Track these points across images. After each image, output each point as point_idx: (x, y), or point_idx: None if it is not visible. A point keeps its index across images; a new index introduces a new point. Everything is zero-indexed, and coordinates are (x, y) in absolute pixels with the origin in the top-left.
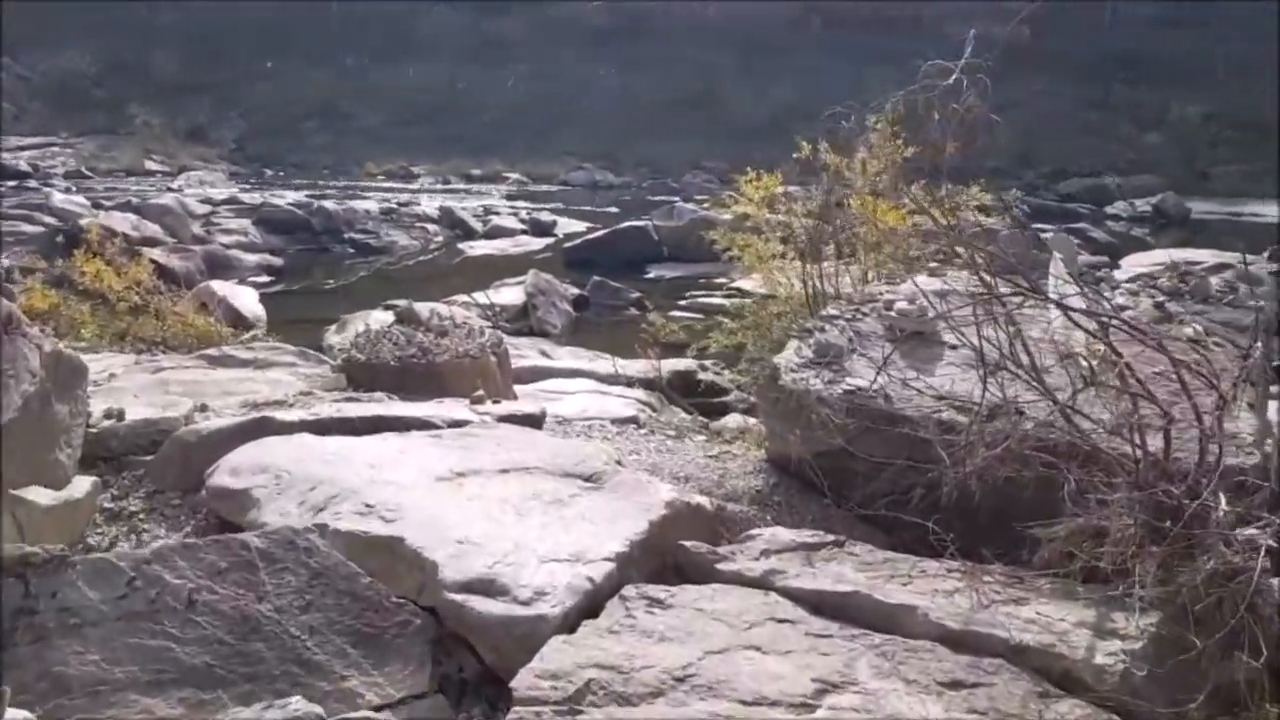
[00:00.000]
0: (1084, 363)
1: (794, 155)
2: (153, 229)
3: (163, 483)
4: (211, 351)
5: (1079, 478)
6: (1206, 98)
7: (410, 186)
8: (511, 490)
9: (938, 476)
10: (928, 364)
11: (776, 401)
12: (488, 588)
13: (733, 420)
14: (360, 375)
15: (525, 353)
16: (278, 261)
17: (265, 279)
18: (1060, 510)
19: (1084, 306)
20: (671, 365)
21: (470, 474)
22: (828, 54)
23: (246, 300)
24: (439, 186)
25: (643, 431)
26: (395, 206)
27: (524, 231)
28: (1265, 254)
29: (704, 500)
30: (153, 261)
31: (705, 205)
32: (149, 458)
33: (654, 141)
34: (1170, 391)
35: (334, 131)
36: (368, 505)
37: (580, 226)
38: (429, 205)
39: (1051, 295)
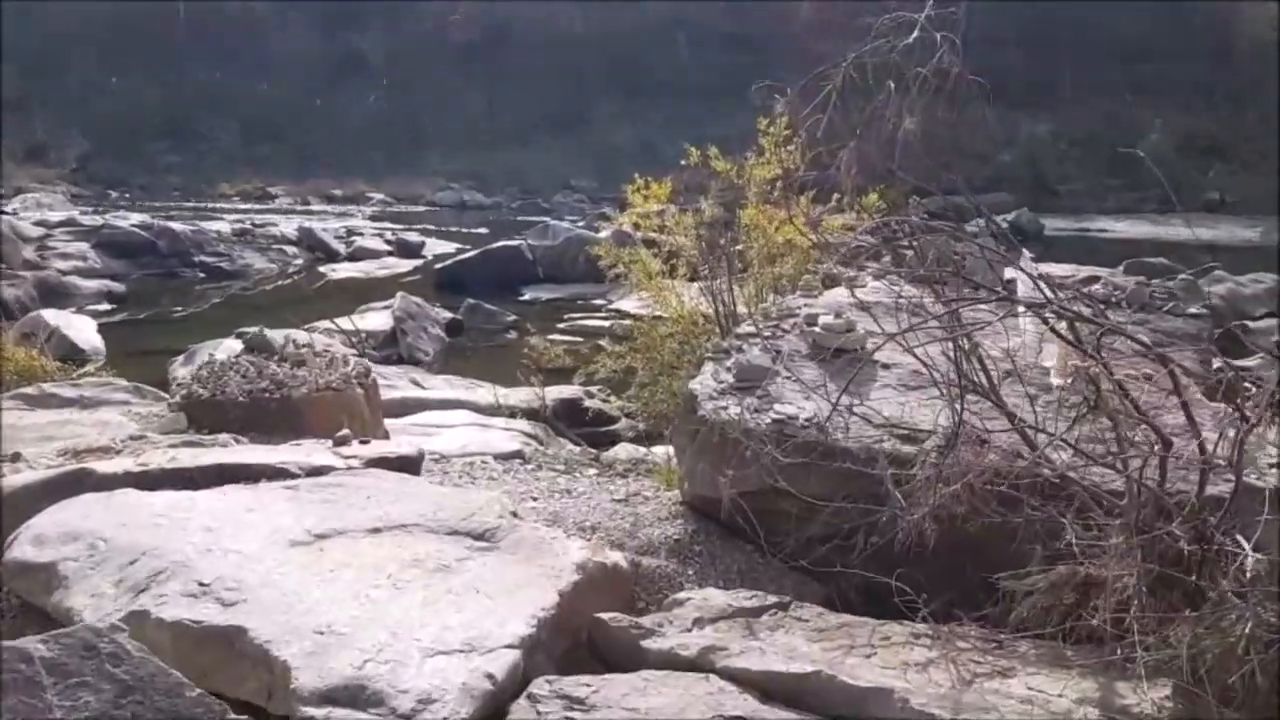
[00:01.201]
0: (1058, 381)
1: (681, 163)
2: None
3: None
4: (29, 390)
5: (1055, 518)
6: (1053, 116)
7: (267, 207)
8: (386, 555)
9: (884, 518)
10: (860, 386)
11: (695, 434)
12: (356, 696)
13: (623, 450)
14: (203, 415)
15: (396, 383)
16: (120, 288)
17: (106, 306)
18: (1030, 557)
19: (1063, 313)
20: (556, 393)
21: (334, 535)
22: (694, 72)
23: (82, 331)
24: (298, 207)
25: (530, 467)
26: (250, 227)
27: (390, 253)
28: (1121, 267)
29: (619, 558)
30: None
31: (583, 222)
32: None
33: (523, 160)
34: (1151, 407)
35: (184, 151)
36: (201, 584)
37: (450, 247)
38: (287, 226)
39: (1022, 299)
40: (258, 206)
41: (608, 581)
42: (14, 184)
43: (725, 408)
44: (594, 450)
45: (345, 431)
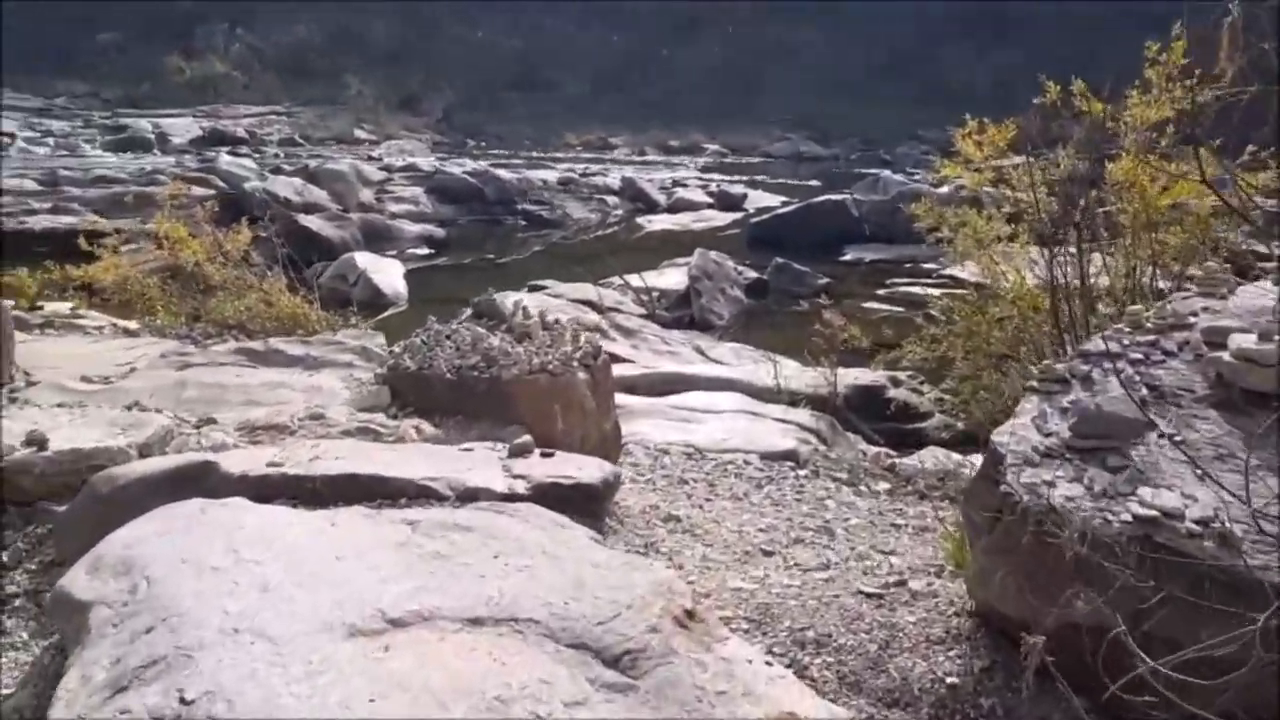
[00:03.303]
0: None
1: (1034, 101)
2: (318, 195)
3: (68, 550)
4: (255, 345)
5: None
6: None
7: (605, 157)
8: (467, 676)
9: None
10: None
11: (995, 520)
12: None
13: (930, 457)
14: (408, 389)
15: (675, 349)
16: (440, 233)
17: (424, 251)
18: None
19: None
20: (853, 377)
21: (414, 623)
22: (1063, 10)
23: (389, 275)
24: (635, 158)
25: (801, 475)
26: (575, 177)
27: (710, 205)
28: None
29: None
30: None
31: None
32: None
33: (865, 109)
34: None
35: (536, 102)
36: (184, 700)
37: (774, 201)
38: (612, 177)
39: None
40: (596, 156)
41: None
42: (385, 131)
43: (1051, 484)
44: (892, 453)
45: (526, 439)
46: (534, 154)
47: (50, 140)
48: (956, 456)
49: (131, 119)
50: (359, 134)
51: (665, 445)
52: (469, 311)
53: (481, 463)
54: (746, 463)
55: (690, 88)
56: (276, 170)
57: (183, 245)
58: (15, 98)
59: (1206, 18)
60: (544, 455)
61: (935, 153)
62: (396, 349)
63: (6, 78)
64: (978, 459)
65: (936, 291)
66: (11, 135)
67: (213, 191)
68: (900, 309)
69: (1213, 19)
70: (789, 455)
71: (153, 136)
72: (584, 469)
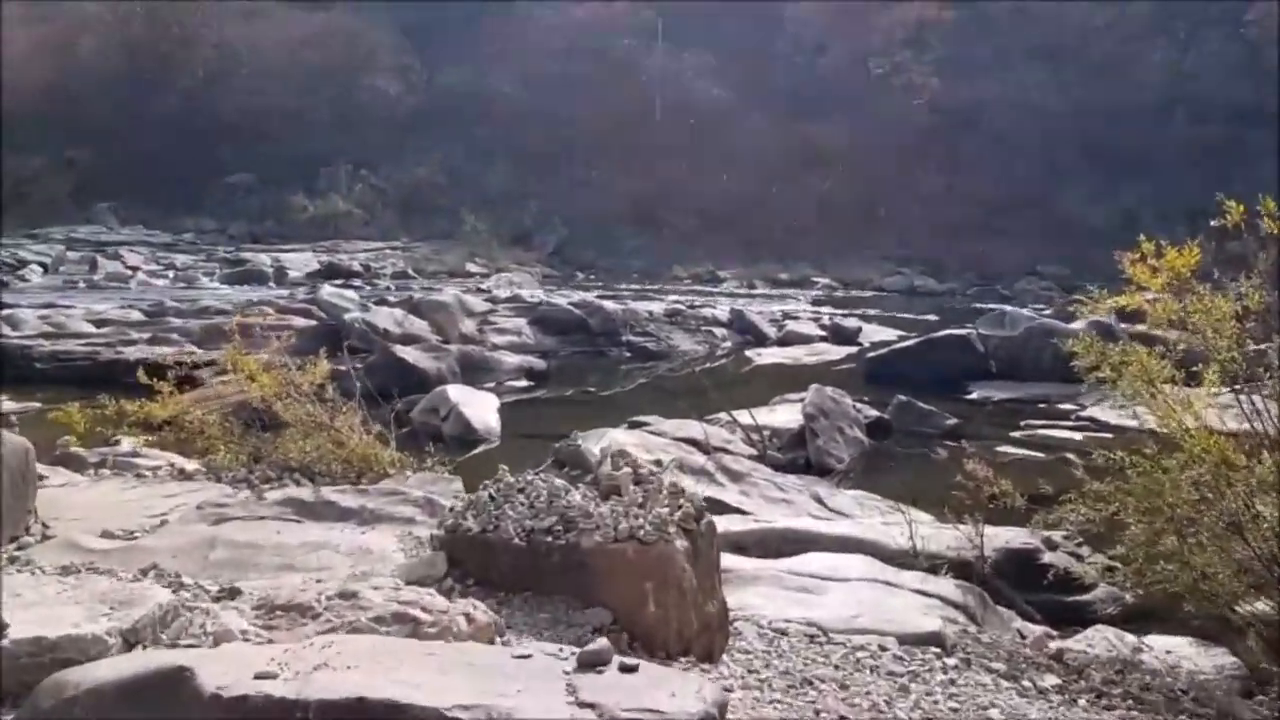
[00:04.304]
0: None
1: (1213, 222)
2: (419, 326)
3: None
4: (304, 495)
5: None
6: None
7: (714, 290)
8: None
9: None
10: None
11: None
12: None
13: (1099, 639)
14: (468, 556)
15: (790, 496)
16: (541, 364)
17: (523, 383)
18: None
19: None
20: (1002, 539)
21: None
22: (1186, 150)
23: (480, 409)
24: (742, 291)
25: (951, 665)
26: (682, 309)
27: (823, 338)
28: None
29: None
30: (347, 364)
31: (1049, 310)
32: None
33: (982, 245)
34: None
35: (646, 236)
36: None
37: (890, 334)
38: (720, 309)
39: None
40: (705, 289)
41: None
42: (497, 265)
43: None
44: (1053, 633)
45: (601, 645)
46: (641, 285)
47: (170, 273)
48: (1130, 638)
49: (252, 254)
50: (471, 267)
51: (782, 625)
52: (550, 459)
53: (539, 679)
54: (883, 649)
55: (800, 223)
56: (381, 301)
57: (253, 379)
58: (146, 234)
59: None
60: (624, 670)
61: (1056, 289)
62: (459, 503)
63: (140, 215)
64: (1154, 641)
65: (1078, 435)
66: (135, 269)
67: (314, 323)
68: (1039, 454)
69: None
70: (933, 639)
71: (270, 270)
72: (679, 696)
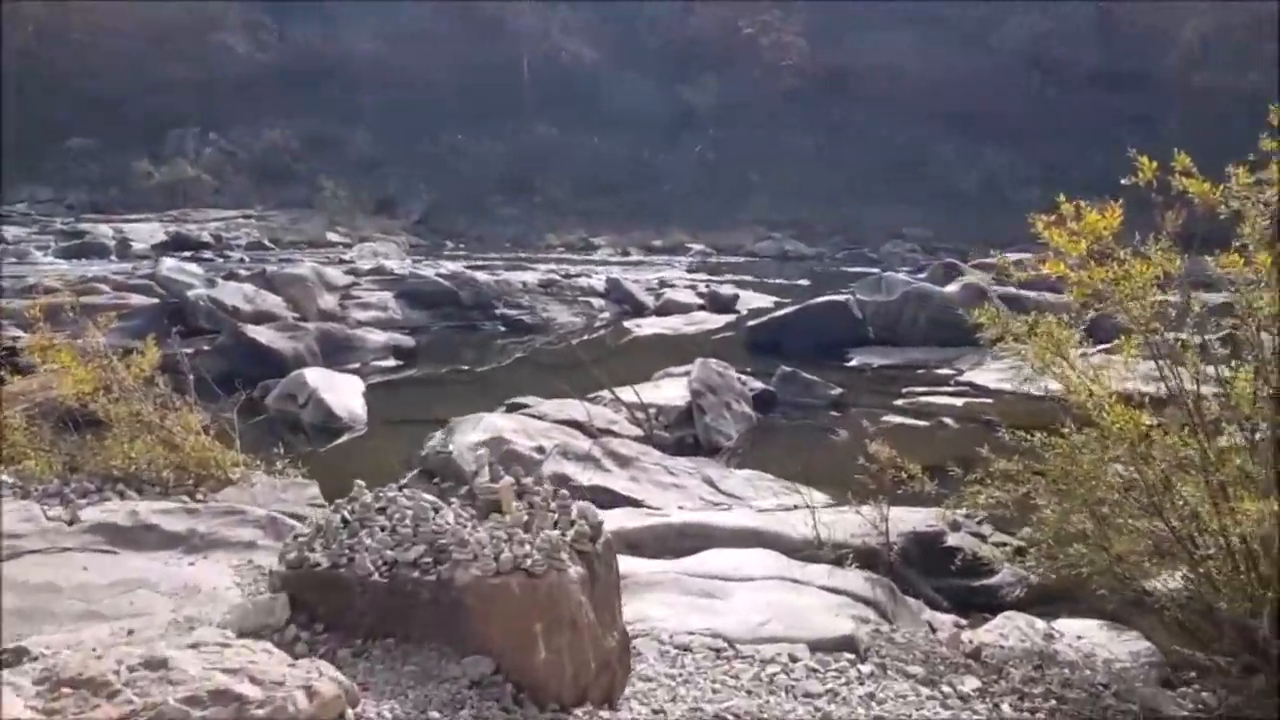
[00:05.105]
0: None
1: (1123, 182)
2: (273, 302)
3: None
4: (119, 519)
5: None
6: None
7: (588, 258)
8: None
9: None
10: None
11: None
12: None
13: (1010, 628)
14: (316, 599)
15: (682, 481)
16: (409, 342)
17: (390, 363)
18: None
19: None
20: (906, 521)
21: None
22: (1048, 113)
23: (343, 394)
24: (618, 258)
25: (866, 673)
26: (557, 279)
27: (701, 307)
28: None
29: None
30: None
31: (924, 274)
32: None
33: (851, 209)
34: None
35: (518, 204)
36: None
37: (766, 301)
38: (596, 278)
39: None
40: (579, 257)
41: None
42: (360, 235)
43: None
44: (963, 622)
45: None
46: (514, 255)
47: None
48: (1040, 624)
49: (92, 224)
50: (332, 237)
51: (685, 639)
52: (417, 468)
53: None
54: (794, 659)
55: (673, 189)
56: (230, 275)
57: (65, 372)
58: None
59: None
60: None
61: (921, 251)
62: (305, 530)
63: None
64: (1065, 625)
65: (959, 401)
66: None
67: (154, 300)
68: (923, 421)
69: None
70: (846, 644)
71: (112, 242)
72: None
